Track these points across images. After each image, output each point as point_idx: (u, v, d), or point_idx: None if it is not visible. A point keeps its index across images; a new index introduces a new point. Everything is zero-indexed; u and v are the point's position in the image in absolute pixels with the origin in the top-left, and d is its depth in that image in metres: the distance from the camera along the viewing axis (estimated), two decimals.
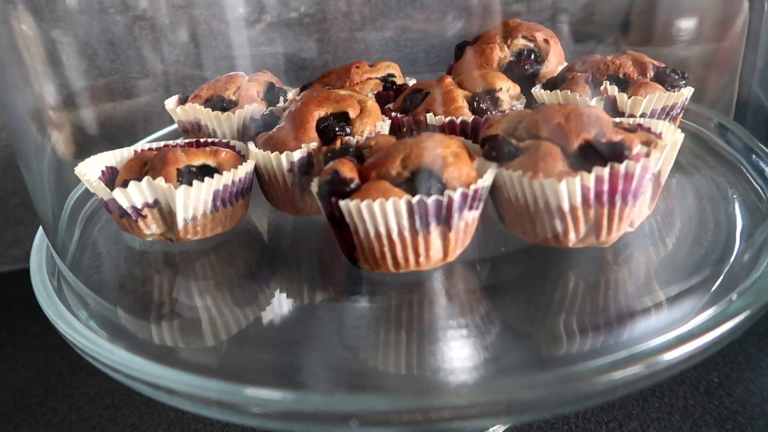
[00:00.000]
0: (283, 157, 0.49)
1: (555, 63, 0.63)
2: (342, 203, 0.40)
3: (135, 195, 0.46)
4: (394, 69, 0.67)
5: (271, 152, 0.50)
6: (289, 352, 0.41)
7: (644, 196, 0.42)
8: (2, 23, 0.50)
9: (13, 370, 0.71)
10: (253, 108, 0.62)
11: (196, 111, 0.62)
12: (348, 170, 0.43)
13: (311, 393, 0.36)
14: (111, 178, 0.52)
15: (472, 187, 0.40)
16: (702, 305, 0.37)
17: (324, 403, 0.35)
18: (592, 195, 0.39)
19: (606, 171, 0.39)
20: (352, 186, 0.41)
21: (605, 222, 0.41)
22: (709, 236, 0.46)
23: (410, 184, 0.41)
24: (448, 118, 0.52)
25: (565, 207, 0.40)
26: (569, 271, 0.45)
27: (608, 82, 0.51)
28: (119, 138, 0.70)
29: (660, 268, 0.44)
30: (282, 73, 0.78)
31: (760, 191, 0.53)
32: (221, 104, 0.63)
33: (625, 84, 0.52)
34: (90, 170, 0.51)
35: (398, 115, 0.56)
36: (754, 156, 0.58)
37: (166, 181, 0.47)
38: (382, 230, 0.40)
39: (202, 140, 0.57)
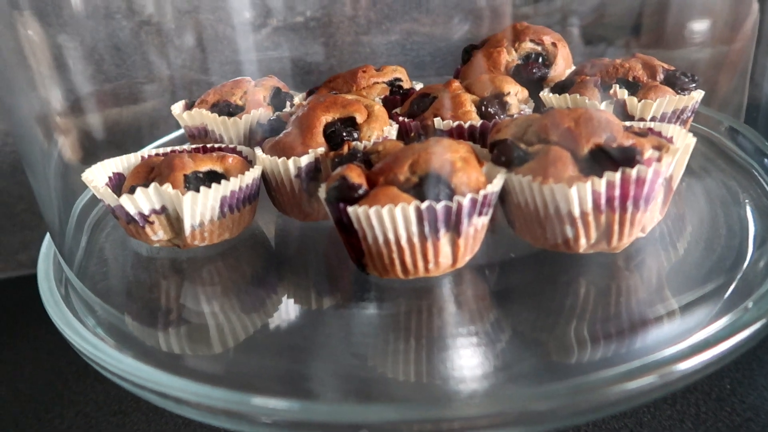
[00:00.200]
0: (291, 162, 0.49)
1: (563, 66, 0.62)
2: (350, 209, 0.40)
3: (142, 201, 0.46)
4: (400, 73, 0.67)
5: (279, 158, 0.50)
6: (298, 359, 0.41)
7: (656, 201, 0.41)
8: (9, 29, 0.49)
9: (19, 376, 0.71)
10: (260, 113, 0.62)
11: (202, 116, 0.62)
12: (356, 176, 0.42)
13: (320, 402, 0.36)
14: (118, 184, 0.52)
15: (482, 192, 0.40)
16: (716, 313, 0.37)
17: (333, 413, 0.35)
18: (603, 200, 0.39)
19: (617, 176, 0.38)
20: (361, 192, 0.41)
21: (616, 227, 0.40)
22: (722, 242, 0.46)
23: (419, 189, 0.40)
24: (456, 123, 0.52)
25: (576, 213, 0.39)
26: (580, 277, 0.44)
27: (618, 86, 0.51)
28: (126, 143, 0.70)
29: (672, 274, 0.44)
30: (288, 78, 0.78)
31: None
32: (228, 109, 0.63)
33: (634, 87, 0.52)
34: (97, 176, 0.50)
35: (405, 119, 0.55)
36: (766, 159, 0.57)
37: (174, 187, 0.46)
38: (391, 236, 0.40)
39: (208, 146, 0.57)
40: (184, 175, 0.48)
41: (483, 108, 0.52)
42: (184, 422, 0.61)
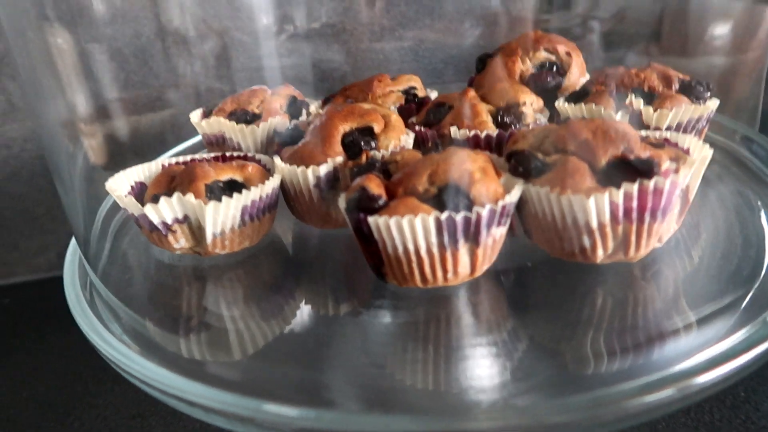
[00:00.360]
0: (310, 171, 0.50)
1: (577, 75, 0.63)
2: (371, 219, 0.40)
3: (165, 210, 0.47)
4: (415, 82, 0.68)
5: (297, 167, 0.51)
6: (315, 367, 0.42)
7: (673, 212, 0.42)
8: (38, 38, 0.51)
9: (38, 379, 0.72)
10: (277, 121, 0.63)
11: (220, 124, 0.63)
12: (375, 186, 0.43)
13: (337, 411, 0.36)
14: (140, 192, 0.53)
15: (500, 203, 0.40)
16: (734, 325, 0.37)
17: (350, 422, 0.35)
18: (620, 211, 0.39)
19: (635, 187, 0.38)
20: (380, 203, 0.41)
21: (634, 238, 0.41)
22: (738, 251, 0.46)
23: (438, 200, 0.41)
24: (472, 132, 0.52)
25: (594, 224, 0.40)
26: (597, 286, 0.45)
27: (634, 96, 0.51)
28: (148, 148, 0.71)
29: (689, 284, 0.44)
30: (302, 84, 0.79)
31: None
32: (245, 117, 0.64)
33: (650, 97, 0.52)
34: (120, 185, 0.51)
35: (422, 128, 0.56)
36: None
37: (195, 196, 0.47)
38: (411, 247, 0.41)
39: (227, 154, 0.58)
40: (205, 185, 0.49)
41: (499, 118, 0.53)
42: (201, 426, 0.62)
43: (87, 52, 0.56)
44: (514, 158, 0.44)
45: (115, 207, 0.62)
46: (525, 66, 0.63)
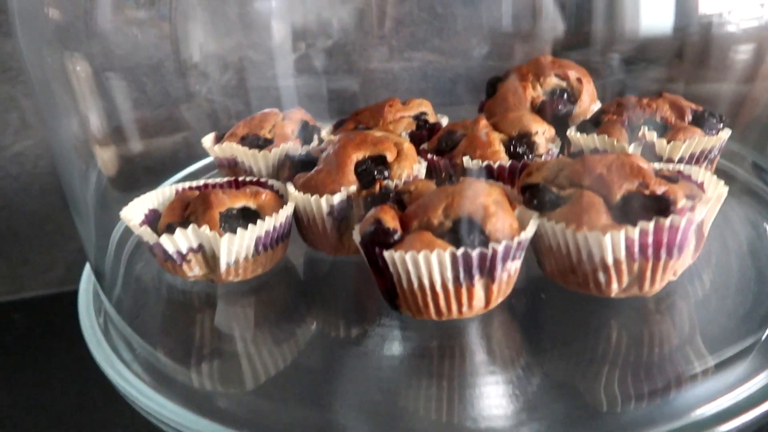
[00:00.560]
0: (323, 200, 0.50)
1: (588, 102, 0.63)
2: (386, 254, 0.41)
3: (181, 241, 0.47)
4: (426, 107, 0.68)
5: (311, 195, 0.51)
6: (327, 400, 0.41)
7: (689, 248, 0.42)
8: (58, 64, 0.51)
9: (48, 398, 0.72)
10: (289, 146, 0.63)
11: (233, 149, 0.63)
12: (390, 219, 0.43)
13: None
14: (153, 219, 0.53)
15: (516, 239, 0.40)
16: (755, 367, 0.37)
17: None
18: (636, 248, 0.40)
19: (651, 225, 0.39)
20: (396, 237, 0.42)
21: (649, 274, 0.41)
22: (752, 286, 0.46)
23: (453, 234, 0.41)
24: (485, 162, 0.52)
25: (609, 260, 0.40)
26: (611, 320, 0.44)
27: (647, 128, 0.52)
28: (162, 168, 0.71)
29: (705, 319, 0.44)
30: (311, 104, 0.79)
31: None
32: (257, 142, 0.64)
33: (662, 128, 0.52)
34: (134, 214, 0.52)
35: (434, 157, 0.56)
36: None
37: (210, 225, 0.48)
38: (426, 281, 0.41)
39: (240, 179, 0.58)
40: (220, 213, 0.50)
41: (511, 147, 0.53)
42: None
43: (104, 78, 0.56)
44: (528, 191, 0.44)
45: (129, 231, 0.63)
46: (536, 92, 0.64)
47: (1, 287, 0.92)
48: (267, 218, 0.49)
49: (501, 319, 0.46)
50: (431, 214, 0.42)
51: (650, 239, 0.39)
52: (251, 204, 0.52)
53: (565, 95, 0.63)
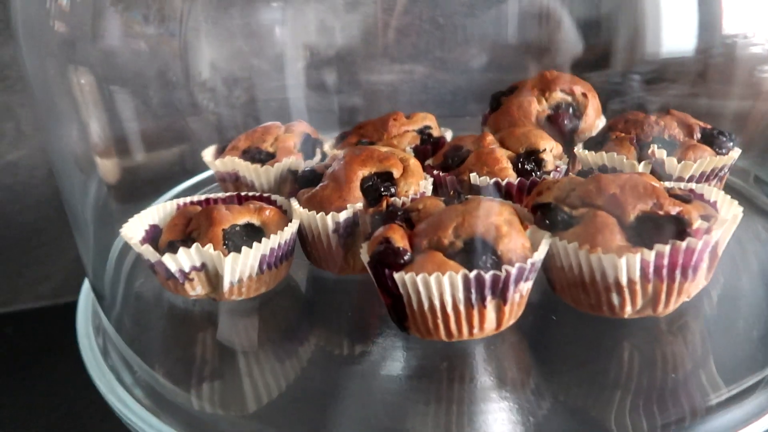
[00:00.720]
0: (329, 217, 0.49)
1: (593, 118, 0.63)
2: (397, 276, 0.40)
3: (183, 260, 0.46)
4: (430, 120, 0.67)
5: (316, 212, 0.50)
6: (331, 420, 0.41)
7: (702, 269, 0.41)
8: (61, 77, 0.50)
9: (40, 409, 0.70)
10: (291, 161, 0.62)
11: (235, 164, 0.62)
12: (399, 238, 0.42)
13: None
14: (154, 236, 0.52)
15: (529, 261, 0.40)
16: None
17: None
18: (651, 269, 0.39)
19: (667, 249, 0.38)
20: (406, 258, 0.41)
21: (663, 296, 0.40)
22: (764, 306, 0.46)
23: (464, 254, 0.40)
24: (493, 180, 0.52)
25: (623, 281, 0.39)
26: (623, 341, 0.44)
27: (656, 146, 0.51)
28: (164, 182, 0.70)
29: (719, 342, 0.43)
30: (311, 115, 0.79)
31: None
32: (259, 156, 0.63)
33: (671, 146, 0.52)
34: (134, 231, 0.51)
35: (440, 173, 0.55)
36: None
37: (214, 244, 0.47)
38: (437, 303, 0.40)
39: (243, 194, 0.57)
40: (223, 230, 0.48)
41: (519, 165, 0.52)
42: None
43: (109, 92, 0.55)
44: (539, 211, 0.44)
45: (129, 245, 0.61)
46: (541, 107, 0.63)
47: None
48: (272, 236, 0.48)
49: (511, 341, 0.45)
50: (441, 233, 0.41)
51: (666, 260, 0.39)
52: (255, 220, 0.51)
53: (571, 110, 0.62)
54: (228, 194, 0.58)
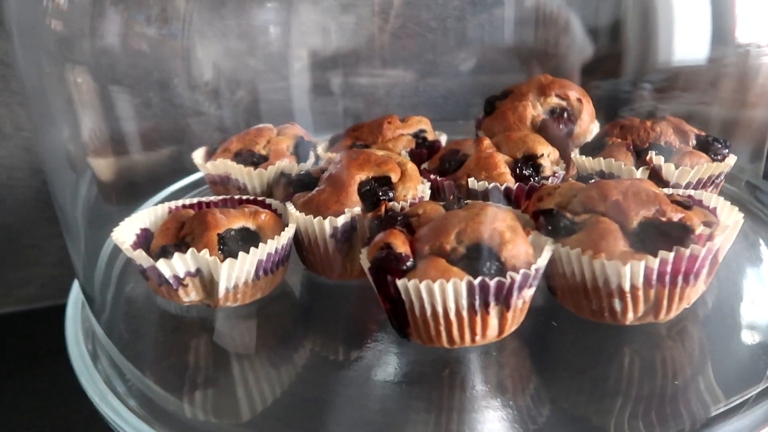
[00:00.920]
0: (327, 222, 0.48)
1: (588, 122, 0.63)
2: (400, 283, 0.39)
3: (178, 265, 0.45)
4: (425, 124, 0.67)
5: (313, 216, 0.49)
6: (328, 430, 0.40)
7: (703, 275, 0.41)
8: (58, 76, 0.49)
9: (22, 419, 0.68)
10: (284, 164, 0.62)
11: (227, 166, 0.61)
12: (401, 244, 0.42)
13: None
14: (145, 240, 0.51)
15: (533, 267, 0.39)
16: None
17: None
18: (654, 276, 0.39)
19: (671, 255, 0.38)
20: (409, 264, 0.40)
21: (665, 302, 0.40)
22: (761, 310, 0.46)
23: (467, 260, 0.40)
24: (491, 184, 0.51)
25: (627, 288, 0.39)
26: (623, 346, 0.44)
27: (654, 152, 0.51)
28: (156, 183, 0.69)
29: (718, 347, 0.44)
30: (303, 118, 0.78)
31: None
32: (251, 159, 0.62)
33: (667, 152, 0.52)
34: (126, 235, 0.49)
35: (437, 177, 0.55)
36: None
37: (209, 249, 0.46)
38: (440, 309, 0.39)
39: (236, 197, 0.56)
40: (218, 235, 0.47)
41: (517, 170, 0.52)
42: None
43: (107, 92, 0.54)
44: (541, 216, 0.43)
45: (118, 248, 0.60)
46: (536, 111, 0.63)
47: None
48: (269, 241, 0.47)
49: (511, 347, 0.45)
50: (443, 239, 0.41)
51: (669, 267, 0.39)
52: (250, 225, 0.50)
53: (566, 114, 0.63)
54: (221, 197, 0.57)
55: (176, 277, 0.46)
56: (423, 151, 0.63)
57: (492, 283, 0.38)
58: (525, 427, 0.39)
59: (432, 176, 0.55)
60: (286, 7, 0.68)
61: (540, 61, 0.75)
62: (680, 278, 0.39)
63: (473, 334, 0.41)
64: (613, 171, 0.52)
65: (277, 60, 0.77)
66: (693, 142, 0.53)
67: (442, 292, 0.38)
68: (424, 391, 0.42)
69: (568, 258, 0.41)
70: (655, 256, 0.38)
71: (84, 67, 0.49)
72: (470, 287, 0.38)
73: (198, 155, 0.65)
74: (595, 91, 0.63)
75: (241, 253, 0.45)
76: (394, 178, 0.51)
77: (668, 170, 0.50)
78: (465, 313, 0.40)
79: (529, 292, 0.41)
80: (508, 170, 0.53)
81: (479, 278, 0.38)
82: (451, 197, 0.51)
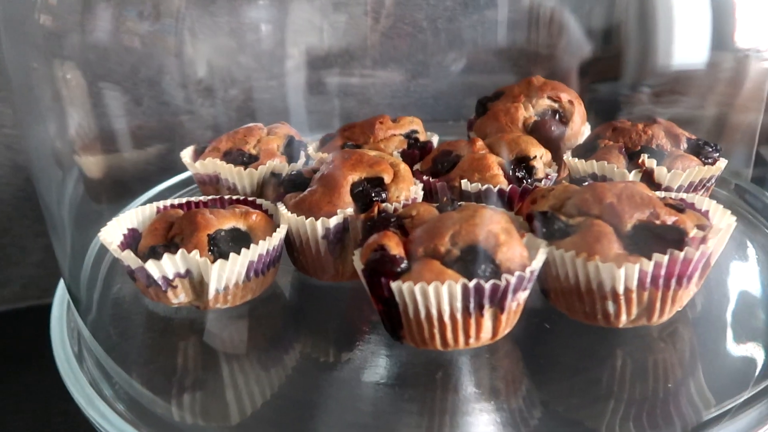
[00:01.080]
0: (319, 223, 0.48)
1: (579, 124, 0.63)
2: (394, 285, 0.39)
3: (167, 266, 0.44)
4: (417, 125, 0.67)
5: (305, 217, 0.48)
6: None
7: (695, 278, 0.41)
8: (41, 68, 0.48)
9: (0, 422, 0.66)
10: (275, 164, 0.61)
11: (216, 166, 0.60)
12: (395, 245, 0.41)
13: None
14: (133, 240, 0.50)
15: (528, 269, 0.39)
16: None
17: None
18: (648, 278, 0.39)
19: (666, 258, 0.38)
20: (403, 266, 0.40)
21: (659, 305, 0.40)
22: (751, 312, 0.46)
23: (461, 262, 0.40)
24: (484, 186, 0.51)
25: (620, 290, 0.39)
26: (616, 349, 0.44)
27: (646, 156, 0.51)
28: (145, 182, 0.68)
29: (710, 349, 0.44)
30: (295, 117, 0.77)
31: None
32: (241, 158, 0.61)
33: (659, 155, 0.52)
34: (113, 235, 0.48)
35: (430, 179, 0.55)
36: None
37: (200, 250, 0.45)
38: (434, 312, 0.39)
39: (226, 197, 0.56)
40: (208, 235, 0.47)
41: (510, 171, 0.52)
42: None
43: (97, 88, 0.53)
44: (536, 219, 0.43)
45: (105, 248, 0.59)
46: (528, 113, 0.63)
47: None
48: (261, 242, 0.47)
49: (504, 349, 0.45)
50: (438, 241, 0.41)
51: (663, 270, 0.39)
52: (241, 225, 0.49)
53: (557, 116, 0.63)
54: (211, 197, 0.56)
55: (165, 278, 0.45)
56: (415, 151, 0.62)
57: (487, 286, 0.38)
58: (517, 430, 0.39)
59: (425, 177, 0.55)
60: (278, 5, 0.67)
61: (532, 63, 0.75)
62: (674, 281, 0.39)
63: (467, 336, 0.40)
64: (605, 173, 0.52)
65: (268, 59, 0.76)
66: (684, 145, 0.53)
67: (436, 294, 0.38)
68: (417, 393, 0.42)
69: (563, 260, 0.41)
70: (650, 259, 0.38)
71: (73, 63, 0.48)
72: (465, 290, 0.38)
73: (186, 154, 0.64)
74: (591, 94, 0.63)
75: (231, 254, 0.45)
76: (387, 178, 0.51)
77: (661, 173, 0.51)
78: (459, 316, 0.39)
79: (523, 295, 0.41)
80: (501, 172, 0.52)
81: (474, 281, 0.38)
82: (445, 199, 0.51)
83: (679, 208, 0.43)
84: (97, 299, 0.53)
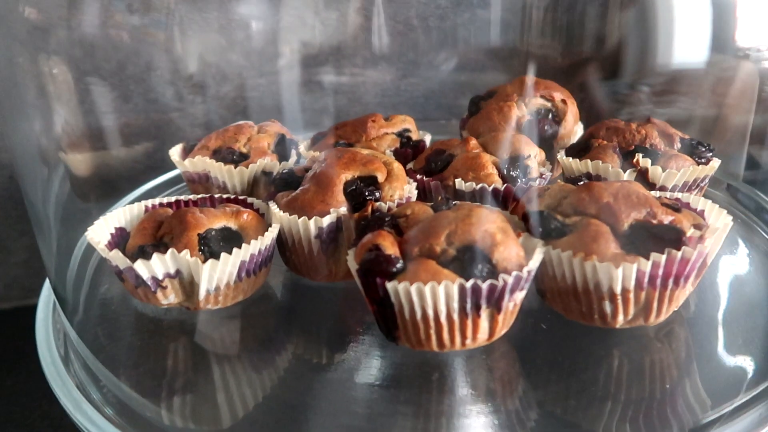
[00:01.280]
0: (312, 222, 0.47)
1: (572, 124, 0.63)
2: (390, 286, 0.38)
3: (157, 267, 0.43)
4: (409, 123, 0.66)
5: (298, 216, 0.48)
6: None
7: (692, 277, 0.41)
8: (26, 63, 0.46)
9: None
10: (266, 162, 0.60)
11: (206, 164, 0.59)
12: (389, 245, 0.41)
13: None
14: (121, 239, 0.49)
15: (525, 269, 0.39)
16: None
17: None
18: (646, 278, 0.39)
19: (663, 258, 0.38)
20: (398, 266, 0.39)
21: (655, 304, 0.40)
22: (746, 311, 0.46)
23: (457, 262, 0.39)
24: (479, 185, 0.51)
25: (618, 290, 0.39)
26: (612, 349, 0.43)
27: (641, 155, 0.51)
28: (130, 180, 0.67)
29: (705, 350, 0.44)
30: (285, 116, 0.76)
31: None
32: (231, 156, 0.60)
33: (653, 155, 0.52)
34: (100, 234, 0.47)
35: (424, 177, 0.54)
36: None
37: (190, 249, 0.44)
38: (430, 312, 0.38)
39: (216, 196, 0.55)
40: (198, 235, 0.46)
41: (505, 171, 0.52)
42: None
43: (84, 83, 0.52)
44: (532, 219, 0.43)
45: (92, 247, 0.58)
46: (521, 112, 0.63)
47: None
48: (253, 241, 0.46)
49: (501, 350, 0.44)
50: (433, 241, 0.40)
51: (661, 270, 0.38)
52: (232, 224, 0.48)
53: (550, 116, 0.62)
54: (200, 196, 0.55)
55: (154, 278, 0.44)
56: (408, 150, 0.62)
57: (484, 286, 0.37)
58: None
59: (418, 176, 0.55)
60: (268, 2, 0.66)
61: (524, 62, 0.75)
62: (671, 281, 0.39)
63: (463, 337, 0.40)
64: (600, 173, 0.52)
65: (258, 56, 0.75)
66: (678, 145, 0.53)
67: (433, 294, 0.38)
68: (412, 395, 0.42)
69: (559, 260, 0.41)
70: (647, 258, 0.38)
71: (59, 58, 0.47)
72: (462, 290, 0.38)
73: (175, 152, 0.63)
74: (589, 93, 0.63)
75: (223, 254, 0.44)
76: (381, 177, 0.50)
77: (655, 173, 0.51)
78: (456, 316, 0.39)
79: (520, 295, 0.41)
80: (495, 171, 0.52)
81: (471, 281, 0.37)
82: (440, 198, 0.50)
83: (676, 207, 0.42)
84: (83, 300, 0.52)
